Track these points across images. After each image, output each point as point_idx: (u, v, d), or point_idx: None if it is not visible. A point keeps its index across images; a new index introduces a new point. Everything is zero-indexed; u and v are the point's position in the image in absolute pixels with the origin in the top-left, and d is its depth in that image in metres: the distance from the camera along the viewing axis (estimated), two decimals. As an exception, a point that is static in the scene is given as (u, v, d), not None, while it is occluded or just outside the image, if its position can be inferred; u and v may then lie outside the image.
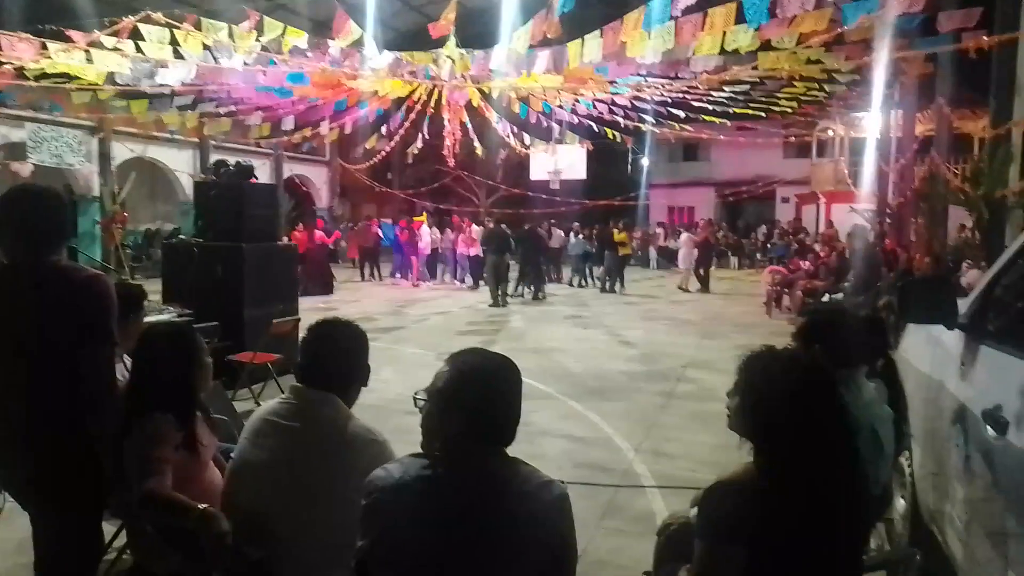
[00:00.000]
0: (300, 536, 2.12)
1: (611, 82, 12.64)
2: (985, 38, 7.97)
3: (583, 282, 19.47)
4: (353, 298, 15.67)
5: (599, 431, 6.04)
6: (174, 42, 9.19)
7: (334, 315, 2.47)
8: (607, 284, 17.54)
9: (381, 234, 20.71)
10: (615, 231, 17.84)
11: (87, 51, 9.02)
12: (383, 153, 20.21)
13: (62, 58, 8.99)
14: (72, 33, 8.86)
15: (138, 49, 9.11)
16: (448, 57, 11.50)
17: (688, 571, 1.89)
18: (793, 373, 1.88)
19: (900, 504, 3.68)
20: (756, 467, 1.81)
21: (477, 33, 13.26)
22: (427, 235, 18.45)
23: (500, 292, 14.76)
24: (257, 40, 9.20)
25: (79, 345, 2.33)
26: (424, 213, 20.61)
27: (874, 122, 18.44)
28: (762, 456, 1.81)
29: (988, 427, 2.31)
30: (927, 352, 3.41)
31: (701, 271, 17.83)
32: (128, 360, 2.92)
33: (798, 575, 1.73)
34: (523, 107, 15.27)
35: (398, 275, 19.35)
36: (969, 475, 2.54)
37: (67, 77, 10.30)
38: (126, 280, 3.85)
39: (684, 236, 19.37)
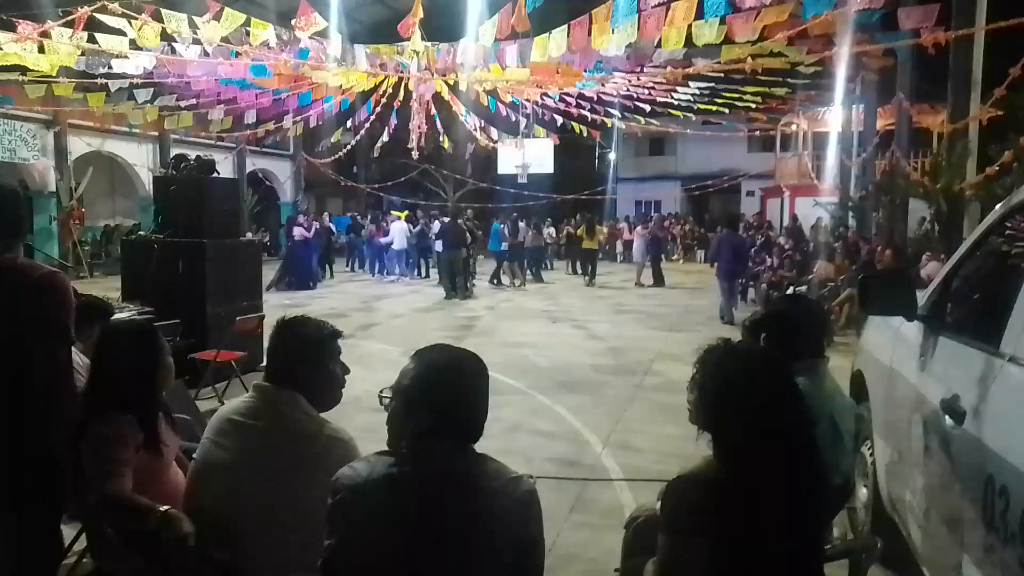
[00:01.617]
0: (264, 537, 2.09)
1: (579, 75, 12.66)
2: (942, 34, 8.13)
3: (536, 277, 19.46)
4: (322, 294, 15.52)
5: (567, 425, 6.06)
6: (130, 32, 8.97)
7: (302, 312, 2.43)
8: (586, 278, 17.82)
9: (333, 228, 20.58)
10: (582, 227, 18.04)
11: (40, 43, 8.77)
12: (348, 147, 20.04)
13: (13, 48, 8.73)
14: (22, 24, 8.59)
15: (92, 39, 8.88)
16: (414, 51, 11.40)
17: (653, 564, 1.90)
18: (748, 365, 1.91)
19: (862, 493, 3.74)
20: (716, 459, 1.82)
21: (443, 26, 13.18)
22: (401, 232, 18.17)
23: (456, 285, 14.79)
24: (222, 31, 9.03)
25: (34, 343, 2.27)
26: (406, 211, 20.58)
27: (836, 117, 18.75)
28: (721, 448, 1.83)
29: (946, 417, 2.35)
30: (887, 343, 3.47)
31: (650, 264, 17.80)
32: (82, 359, 2.86)
33: (759, 566, 1.75)
34: (491, 100, 15.23)
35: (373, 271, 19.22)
36: (928, 464, 2.60)
37: (20, 69, 10.01)
38: (93, 296, 3.83)
39: (636, 229, 19.35)
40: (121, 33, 8.81)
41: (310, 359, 2.26)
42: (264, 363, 2.33)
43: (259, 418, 2.17)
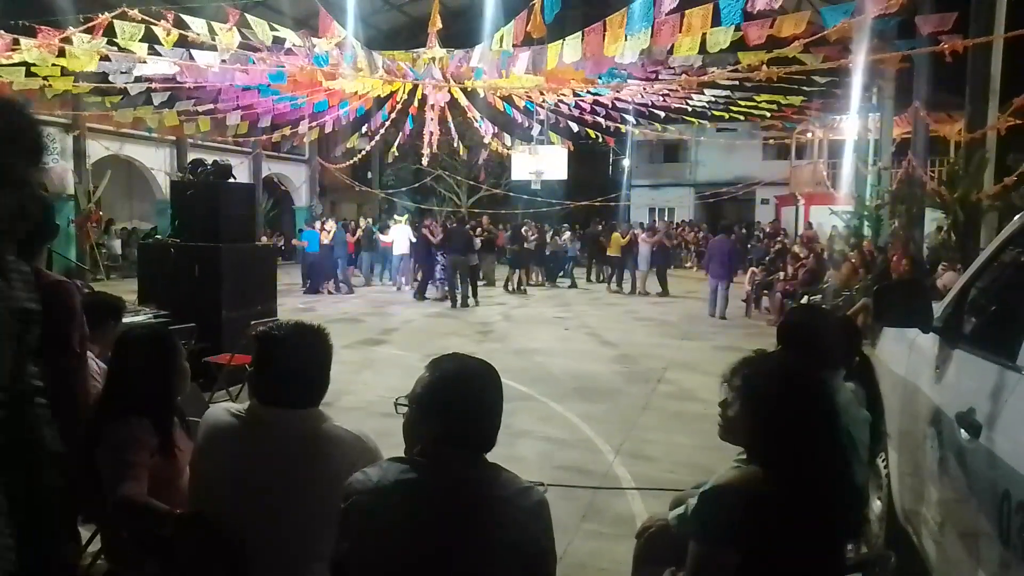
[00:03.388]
0: (273, 539, 2.09)
1: (593, 81, 12.69)
2: (960, 41, 8.08)
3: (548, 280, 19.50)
4: (337, 299, 15.59)
5: (579, 433, 6.04)
6: (150, 39, 9.09)
7: (315, 318, 2.41)
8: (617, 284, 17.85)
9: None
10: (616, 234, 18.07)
11: (62, 49, 8.91)
12: (363, 152, 20.13)
13: (35, 55, 8.86)
14: (44, 29, 8.72)
15: (111, 43, 9.00)
16: (430, 58, 11.48)
17: (672, 574, 1.90)
18: (796, 379, 1.92)
19: (876, 505, 3.72)
20: (758, 473, 1.82)
21: (458, 32, 13.26)
22: (403, 236, 17.51)
23: (460, 293, 14.44)
24: (242, 38, 9.15)
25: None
26: (407, 214, 20.50)
27: (852, 125, 18.66)
28: (766, 463, 1.82)
29: (961, 430, 2.33)
30: (902, 355, 3.44)
31: (655, 273, 17.41)
32: (99, 365, 2.89)
33: None
34: (507, 107, 15.28)
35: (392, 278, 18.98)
36: (943, 477, 2.57)
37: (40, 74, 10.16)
38: (104, 293, 3.86)
39: (642, 236, 18.25)
40: (135, 40, 8.92)
41: (318, 372, 2.16)
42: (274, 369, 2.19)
43: (249, 437, 2.11)
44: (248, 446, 2.10)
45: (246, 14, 9.17)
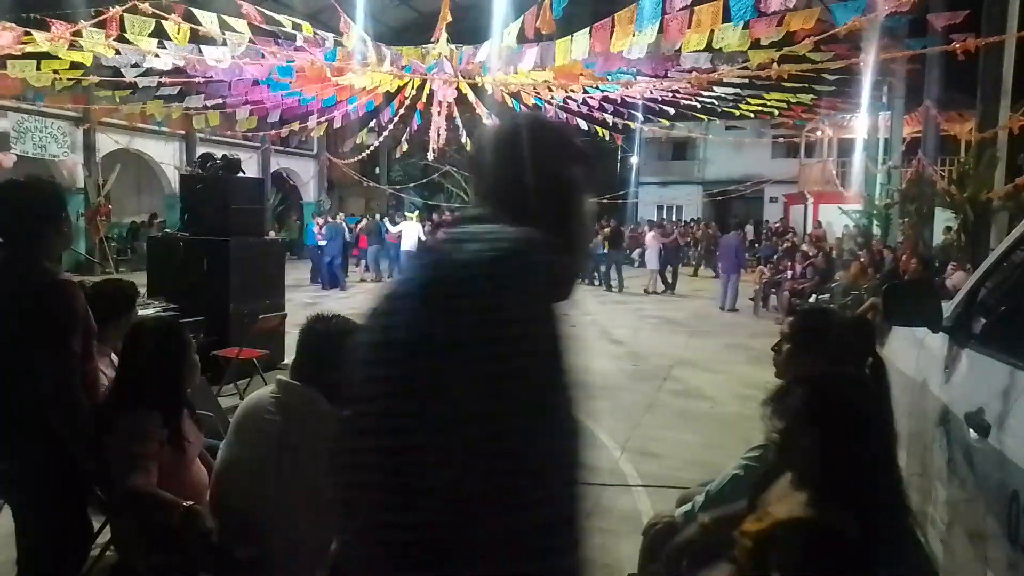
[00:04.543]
0: (288, 534, 2.11)
1: (602, 78, 12.67)
2: (972, 41, 8.04)
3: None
4: (347, 294, 15.61)
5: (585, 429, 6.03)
6: (160, 33, 9.11)
7: (323, 310, 2.45)
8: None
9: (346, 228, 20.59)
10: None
11: (73, 42, 8.94)
12: (372, 147, 20.14)
13: (46, 47, 8.90)
14: (56, 23, 8.75)
15: (122, 39, 9.02)
16: (439, 53, 11.48)
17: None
18: (870, 398, 1.91)
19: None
20: (832, 512, 1.69)
21: (467, 28, 13.24)
22: (413, 232, 17.23)
23: None
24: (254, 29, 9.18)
25: (34, 348, 2.30)
26: (417, 211, 20.54)
27: (862, 123, 18.57)
28: (843, 497, 1.70)
29: (970, 430, 2.32)
30: (911, 355, 3.43)
31: (668, 272, 17.30)
32: (115, 359, 2.90)
33: None
34: (515, 103, 15.26)
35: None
36: (951, 477, 2.57)
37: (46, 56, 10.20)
38: (115, 277, 3.78)
39: (650, 235, 17.92)
40: (145, 35, 8.94)
41: (334, 356, 2.25)
42: (285, 361, 2.36)
43: (278, 414, 2.20)
44: (268, 420, 2.21)
45: (259, 8, 9.17)
